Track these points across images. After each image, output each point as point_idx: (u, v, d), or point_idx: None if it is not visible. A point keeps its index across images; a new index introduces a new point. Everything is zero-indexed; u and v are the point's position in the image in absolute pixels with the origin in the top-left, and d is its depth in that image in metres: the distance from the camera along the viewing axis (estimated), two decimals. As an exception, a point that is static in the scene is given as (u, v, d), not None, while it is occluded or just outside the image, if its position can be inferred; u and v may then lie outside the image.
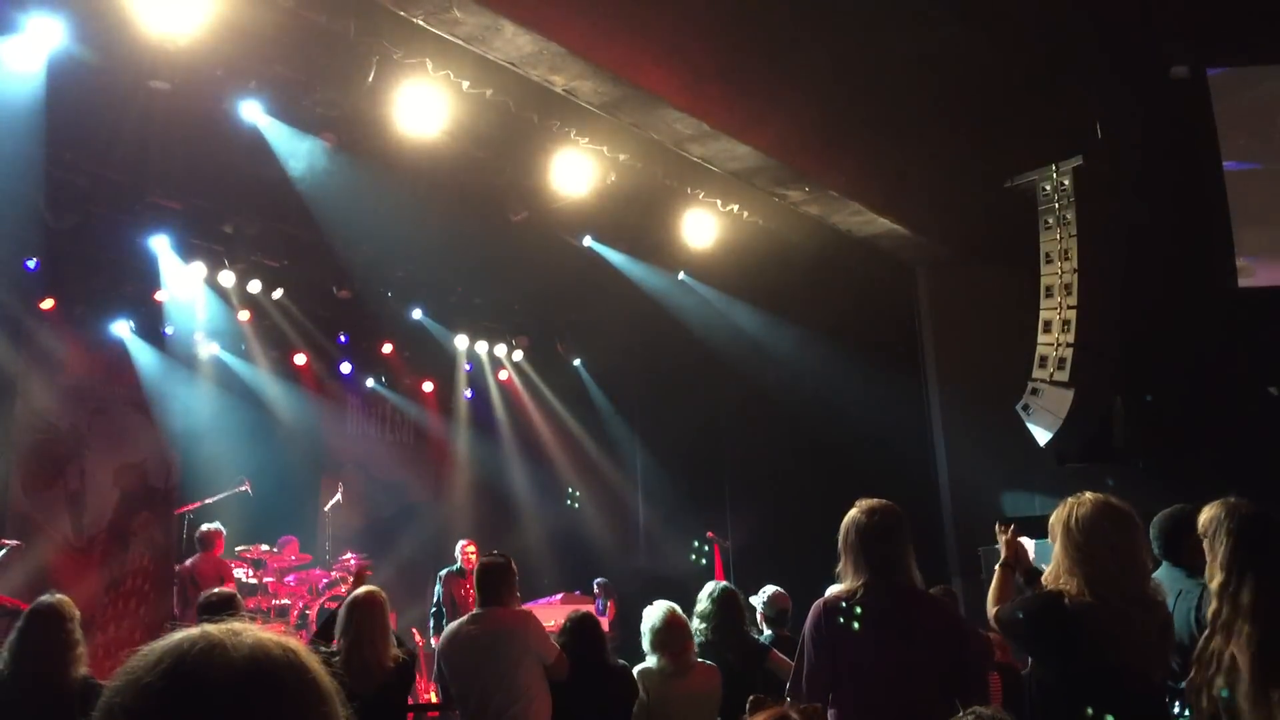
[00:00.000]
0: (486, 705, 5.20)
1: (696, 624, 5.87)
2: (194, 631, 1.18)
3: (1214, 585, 3.32)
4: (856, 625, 3.71)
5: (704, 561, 12.00)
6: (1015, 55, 9.08)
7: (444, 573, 9.71)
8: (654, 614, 5.53)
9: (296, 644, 1.22)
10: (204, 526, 9.60)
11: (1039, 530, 3.96)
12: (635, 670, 5.49)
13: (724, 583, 6.09)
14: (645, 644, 5.50)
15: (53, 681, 4.07)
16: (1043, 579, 3.67)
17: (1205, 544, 3.46)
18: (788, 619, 6.39)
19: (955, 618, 4.00)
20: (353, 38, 6.89)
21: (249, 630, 1.19)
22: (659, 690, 5.34)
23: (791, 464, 11.69)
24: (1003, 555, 4.08)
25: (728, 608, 5.85)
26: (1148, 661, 3.34)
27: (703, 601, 5.92)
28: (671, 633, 5.45)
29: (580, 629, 5.58)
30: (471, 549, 9.82)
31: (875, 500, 3.94)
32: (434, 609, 9.65)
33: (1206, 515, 3.50)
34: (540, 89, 7.41)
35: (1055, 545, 3.51)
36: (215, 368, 11.89)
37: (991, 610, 3.84)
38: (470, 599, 9.21)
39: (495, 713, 5.17)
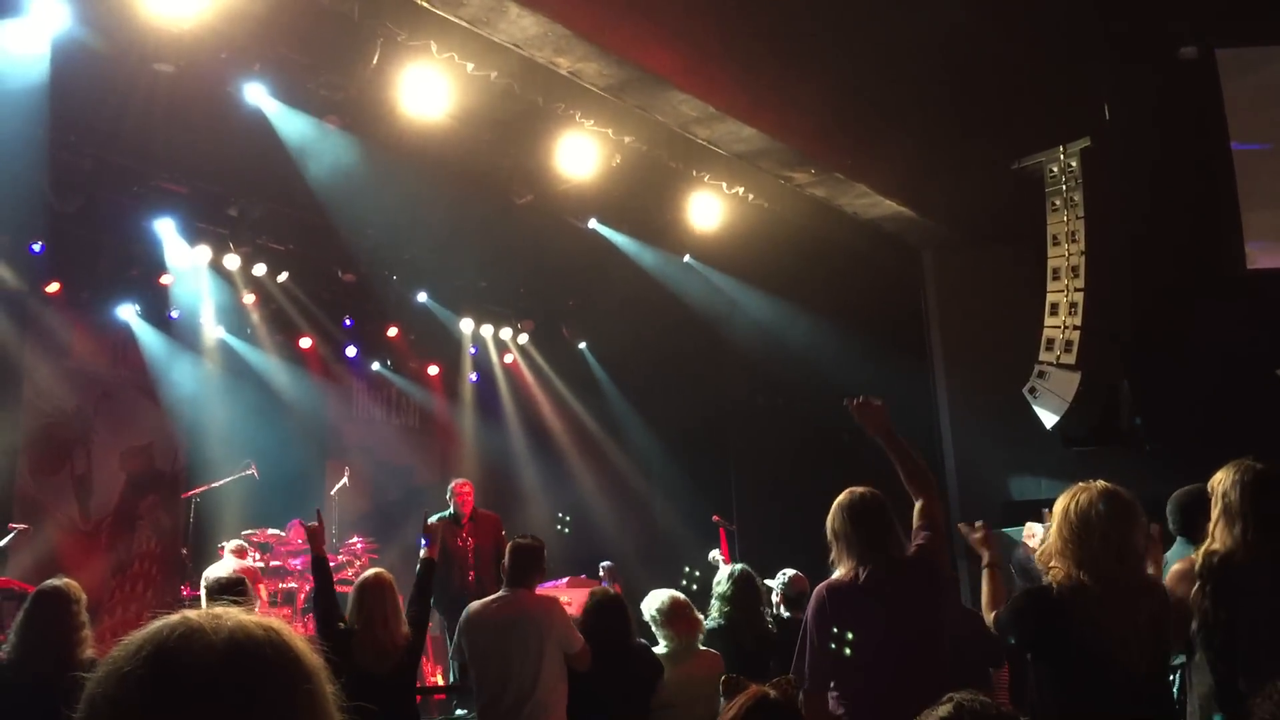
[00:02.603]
0: (505, 688, 5.20)
1: (715, 604, 5.88)
2: (175, 617, 1.19)
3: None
4: (854, 608, 3.74)
5: (704, 549, 12.00)
6: (1023, 36, 9.03)
7: (434, 519, 8.79)
8: (658, 597, 5.57)
9: (280, 624, 1.22)
10: (234, 542, 9.42)
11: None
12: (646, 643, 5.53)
13: (743, 565, 6.11)
14: (653, 626, 5.52)
15: (59, 663, 4.08)
16: (1037, 557, 3.70)
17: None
18: (806, 601, 6.40)
19: (932, 565, 4.00)
20: (357, 20, 6.86)
21: (230, 613, 1.20)
22: (669, 673, 5.35)
23: (797, 447, 11.69)
24: (985, 557, 4.10)
25: (746, 589, 5.87)
26: (1131, 648, 3.34)
27: (722, 583, 5.95)
28: (677, 615, 5.47)
29: (604, 608, 5.55)
30: (467, 489, 9.09)
31: (857, 486, 4.02)
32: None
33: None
34: (545, 71, 7.38)
35: (1051, 527, 3.55)
36: (221, 351, 11.89)
37: (990, 616, 3.86)
38: (470, 546, 8.97)
39: (515, 697, 5.17)
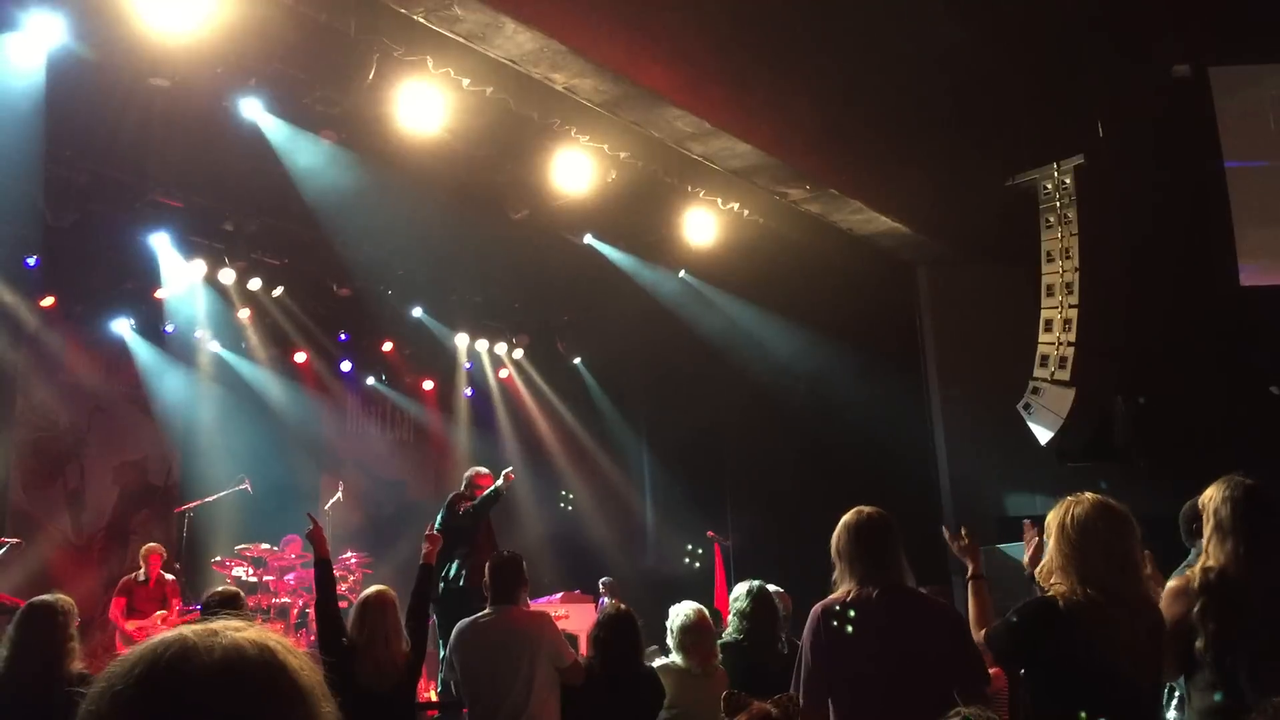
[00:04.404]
0: (499, 707, 5.15)
1: (733, 621, 5.74)
2: (171, 635, 1.17)
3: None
4: (850, 629, 3.70)
5: (698, 565, 11.99)
6: (1017, 54, 9.06)
7: (453, 497, 8.59)
8: (682, 612, 5.41)
9: (276, 643, 1.21)
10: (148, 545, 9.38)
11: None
12: (653, 666, 5.39)
13: (759, 582, 5.96)
14: (671, 641, 5.40)
15: (48, 679, 4.06)
16: (1036, 573, 3.65)
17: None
18: (788, 620, 6.31)
19: (949, 611, 3.96)
20: (353, 35, 6.88)
21: (226, 632, 1.18)
22: (683, 691, 5.19)
23: (792, 462, 11.68)
24: (970, 569, 4.03)
25: (765, 607, 5.74)
26: (1135, 663, 3.33)
27: (740, 599, 5.79)
28: (700, 634, 5.35)
29: (618, 625, 5.34)
30: (488, 482, 8.52)
31: (865, 506, 3.93)
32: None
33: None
34: (541, 87, 7.39)
35: (1049, 543, 3.51)
36: (215, 365, 11.89)
37: (979, 634, 3.78)
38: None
39: (509, 713, 5.11)
